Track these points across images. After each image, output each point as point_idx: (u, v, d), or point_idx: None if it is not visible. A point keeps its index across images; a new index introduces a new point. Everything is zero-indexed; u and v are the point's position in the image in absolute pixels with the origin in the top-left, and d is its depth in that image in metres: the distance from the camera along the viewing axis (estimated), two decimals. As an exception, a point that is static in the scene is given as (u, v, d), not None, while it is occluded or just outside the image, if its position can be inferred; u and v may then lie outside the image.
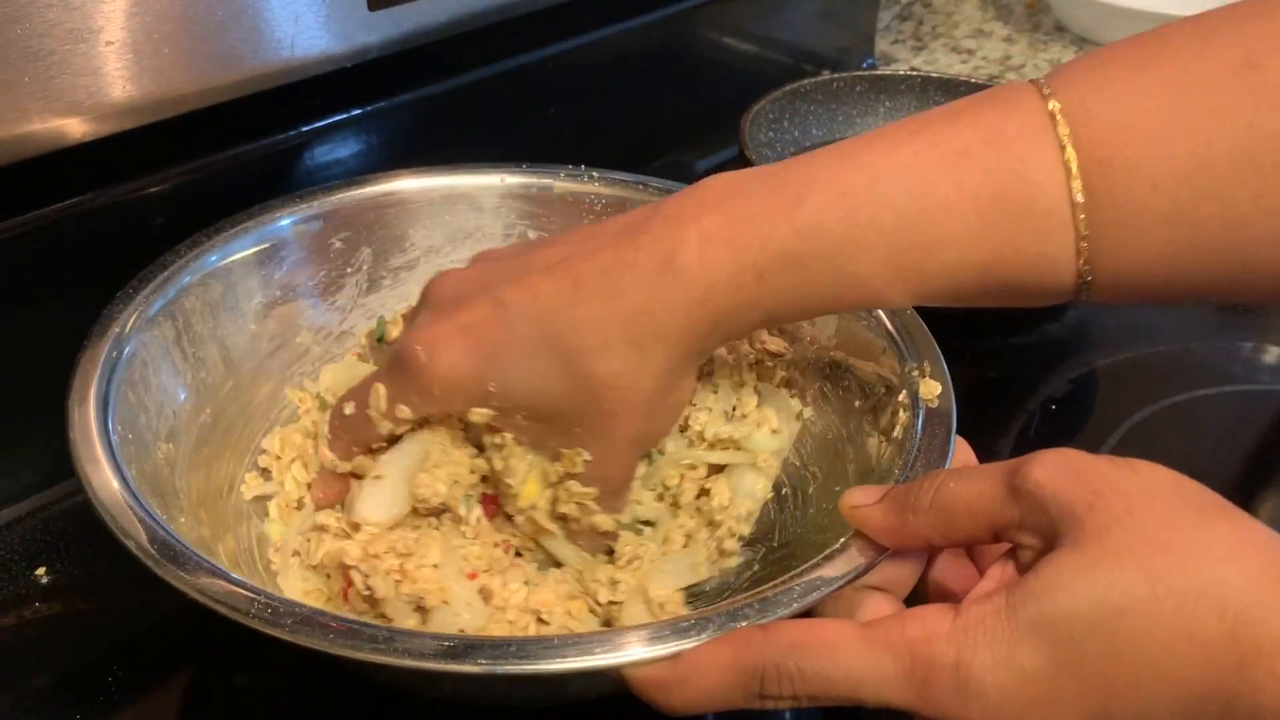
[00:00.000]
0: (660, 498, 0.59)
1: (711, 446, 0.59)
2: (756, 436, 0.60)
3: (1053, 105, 0.46)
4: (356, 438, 0.56)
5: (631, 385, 0.51)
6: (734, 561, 0.59)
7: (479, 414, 0.52)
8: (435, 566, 0.53)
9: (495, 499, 0.57)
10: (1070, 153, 0.45)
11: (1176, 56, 0.46)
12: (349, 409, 0.55)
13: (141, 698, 0.57)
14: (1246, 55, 0.44)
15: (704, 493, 0.60)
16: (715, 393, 0.60)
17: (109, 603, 0.61)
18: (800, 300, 0.50)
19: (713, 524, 0.59)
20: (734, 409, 0.60)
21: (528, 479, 0.54)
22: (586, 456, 0.52)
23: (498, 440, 0.54)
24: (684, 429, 0.59)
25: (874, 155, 0.48)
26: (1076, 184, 0.45)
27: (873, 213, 0.47)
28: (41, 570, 0.63)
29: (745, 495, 0.60)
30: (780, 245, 0.48)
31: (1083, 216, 0.45)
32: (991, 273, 0.47)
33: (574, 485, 0.53)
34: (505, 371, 0.51)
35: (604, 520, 0.55)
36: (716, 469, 0.60)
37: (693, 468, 0.59)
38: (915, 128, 0.49)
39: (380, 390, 0.54)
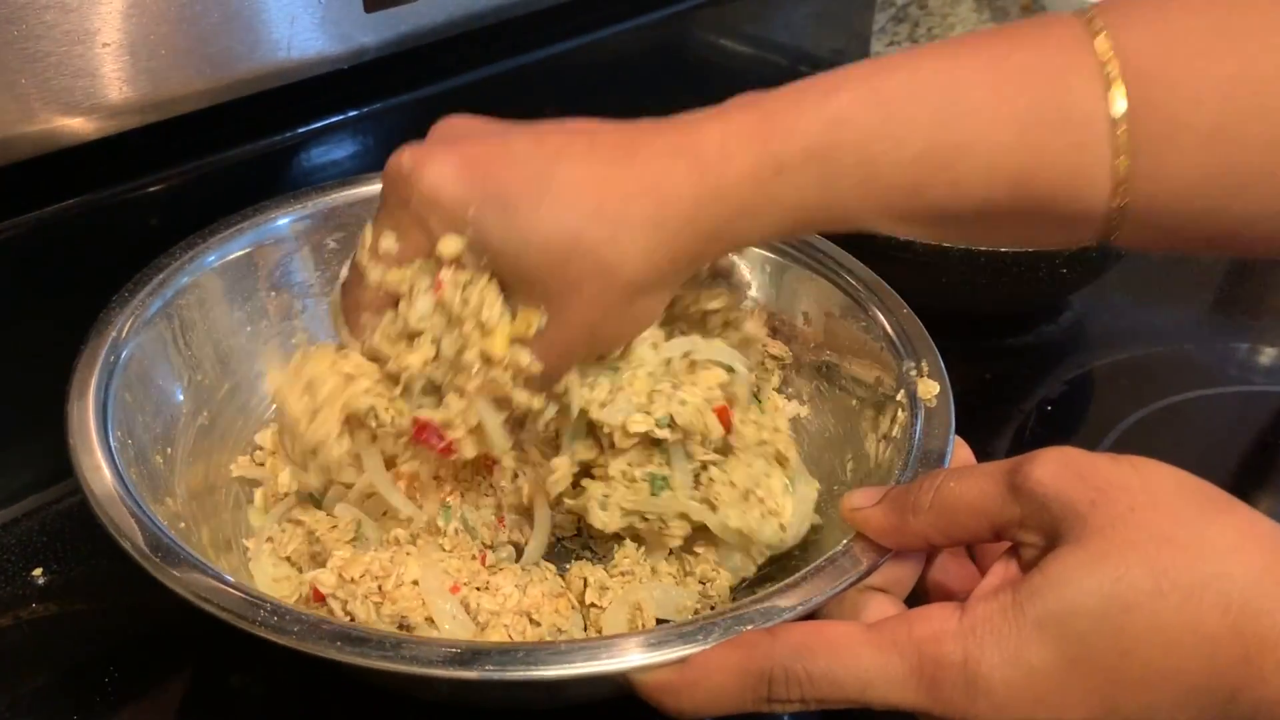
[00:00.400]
0: (636, 526, 0.58)
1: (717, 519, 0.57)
2: (762, 529, 0.57)
3: (1097, 23, 0.45)
4: (354, 301, 0.52)
5: (612, 264, 0.47)
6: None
7: (451, 243, 0.48)
8: (415, 584, 0.53)
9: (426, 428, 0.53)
10: (1112, 65, 0.44)
11: None
12: (344, 271, 0.53)
13: (139, 698, 0.57)
14: None
15: (691, 552, 0.59)
16: (749, 467, 0.57)
17: (106, 603, 0.61)
18: (820, 203, 0.47)
19: (704, 583, 0.58)
20: (756, 488, 0.58)
21: (500, 324, 0.50)
22: (542, 323, 0.49)
23: (467, 278, 0.50)
24: (698, 482, 0.57)
25: (913, 59, 0.47)
26: (1117, 95, 0.44)
27: (906, 108, 0.45)
28: (38, 571, 0.63)
29: (730, 570, 0.58)
30: (806, 137, 0.46)
31: (1122, 129, 0.44)
32: (1023, 186, 0.46)
33: (519, 351, 0.50)
34: (490, 202, 0.47)
35: (522, 396, 0.52)
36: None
37: (684, 517, 0.57)
38: (958, 41, 0.47)
39: (366, 227, 0.51)
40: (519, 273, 0.48)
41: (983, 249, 0.77)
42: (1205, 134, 0.44)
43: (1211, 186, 0.45)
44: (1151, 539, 0.38)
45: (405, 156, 0.48)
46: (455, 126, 0.51)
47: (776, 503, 0.57)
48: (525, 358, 0.50)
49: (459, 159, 0.48)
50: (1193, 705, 0.38)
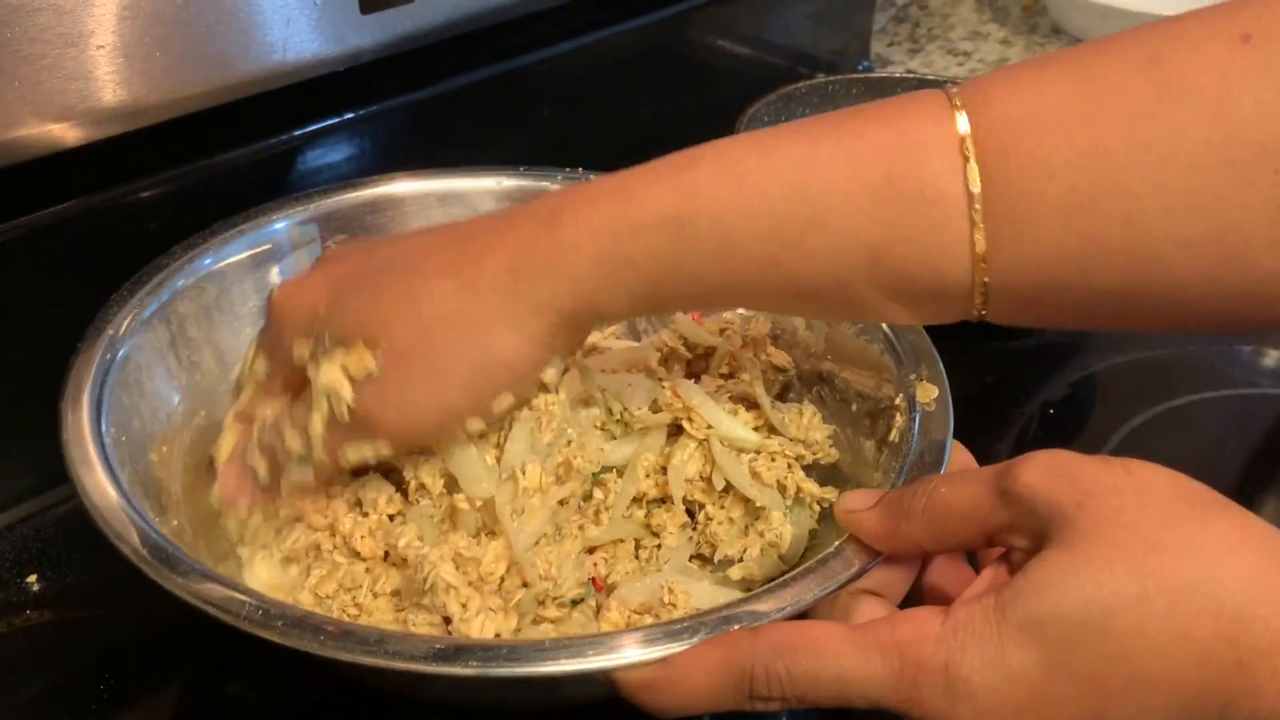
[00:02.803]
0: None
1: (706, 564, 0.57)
2: (763, 566, 0.55)
3: (956, 101, 0.45)
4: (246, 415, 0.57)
5: (485, 348, 0.49)
6: None
7: (300, 347, 0.51)
8: (393, 594, 0.52)
9: None
10: (968, 143, 0.44)
11: (1081, 56, 0.45)
12: (235, 371, 0.58)
13: (134, 706, 0.57)
14: (1152, 51, 0.43)
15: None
16: (748, 500, 0.57)
17: (101, 610, 0.61)
18: (675, 269, 0.47)
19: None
20: (756, 521, 0.57)
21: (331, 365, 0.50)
22: (372, 366, 0.48)
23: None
24: (695, 522, 0.57)
25: (771, 137, 0.47)
26: (973, 172, 0.43)
27: (760, 181, 0.46)
28: (33, 577, 0.63)
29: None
30: (661, 204, 0.46)
31: (978, 207, 0.44)
32: (881, 259, 0.45)
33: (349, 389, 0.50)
34: (341, 295, 0.50)
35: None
36: None
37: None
38: (818, 119, 0.48)
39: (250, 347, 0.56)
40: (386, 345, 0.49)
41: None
42: (1061, 207, 0.43)
43: (1070, 261, 0.44)
44: (1138, 542, 0.38)
45: (278, 288, 0.53)
46: (338, 251, 0.56)
47: (776, 533, 0.56)
48: (350, 393, 0.50)
49: (319, 278, 0.52)
50: (1184, 713, 0.37)
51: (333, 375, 0.49)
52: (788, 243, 0.46)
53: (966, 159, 0.44)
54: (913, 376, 0.56)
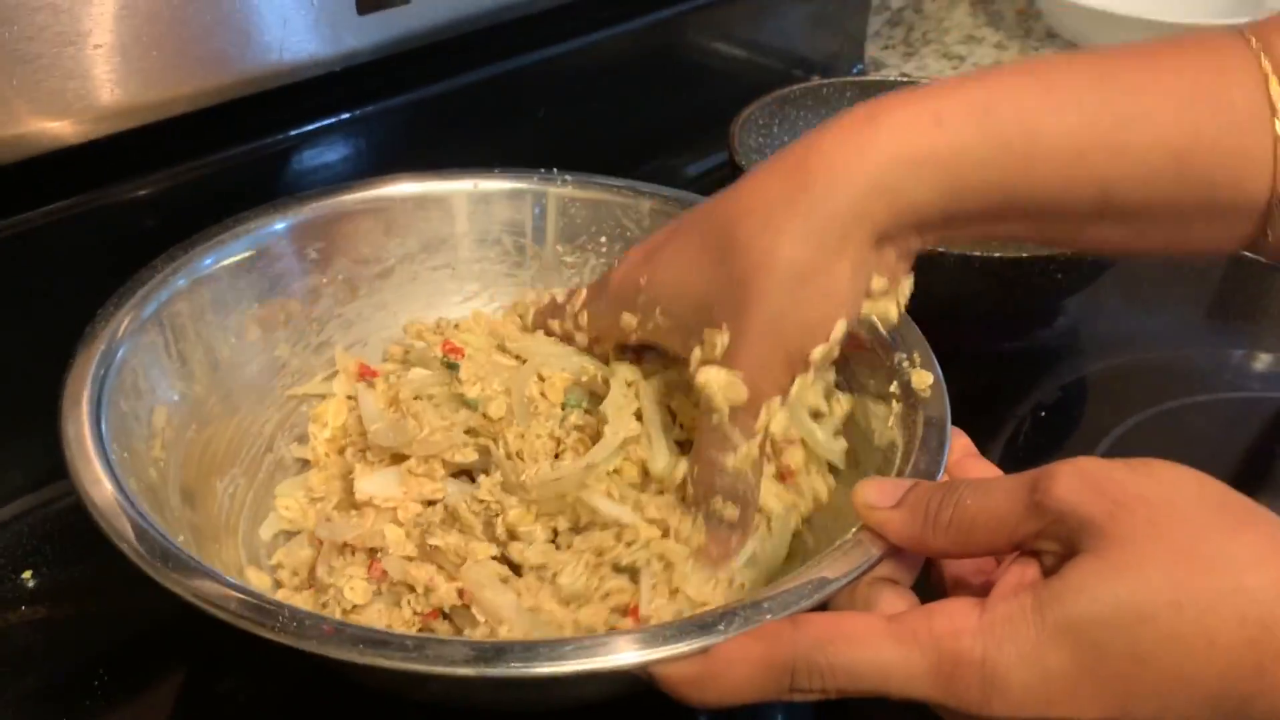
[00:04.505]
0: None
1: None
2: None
3: (1248, 34, 0.46)
4: (546, 320, 0.63)
5: (765, 248, 0.47)
6: None
7: (626, 320, 0.55)
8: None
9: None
10: (1266, 63, 0.45)
11: None
12: (560, 295, 0.64)
13: (129, 702, 0.57)
14: None
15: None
16: None
17: (96, 606, 0.61)
18: (983, 167, 0.47)
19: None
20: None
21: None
22: (725, 339, 0.49)
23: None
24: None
25: (1064, 55, 0.48)
26: (1275, 86, 0.45)
27: (1067, 80, 0.47)
28: (28, 574, 0.63)
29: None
30: (967, 94, 0.47)
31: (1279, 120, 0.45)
32: (1186, 163, 0.46)
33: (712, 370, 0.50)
34: (658, 263, 0.53)
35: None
36: None
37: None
38: (1107, 45, 0.49)
39: (581, 291, 0.60)
40: (692, 309, 0.51)
41: (976, 253, 0.77)
42: None
43: None
44: (1170, 551, 0.39)
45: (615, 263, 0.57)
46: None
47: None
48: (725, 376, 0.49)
49: (641, 250, 0.55)
50: (1205, 711, 0.39)
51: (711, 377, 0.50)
52: (1096, 137, 0.46)
53: (1267, 75, 0.45)
54: (905, 364, 0.57)
